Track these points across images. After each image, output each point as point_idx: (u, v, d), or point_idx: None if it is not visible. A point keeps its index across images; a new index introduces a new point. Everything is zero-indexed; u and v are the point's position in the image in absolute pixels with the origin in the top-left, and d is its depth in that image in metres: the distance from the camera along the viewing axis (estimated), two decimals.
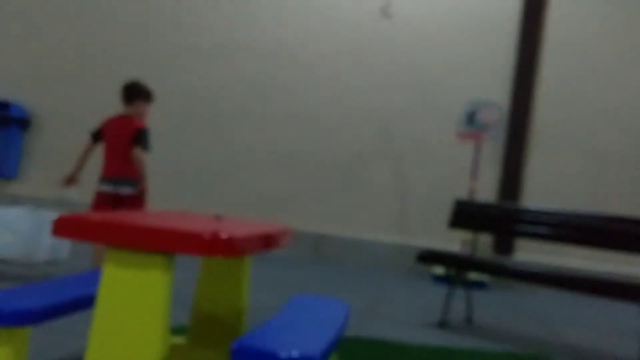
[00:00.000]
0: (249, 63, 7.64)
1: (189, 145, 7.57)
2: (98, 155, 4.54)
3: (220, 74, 7.68)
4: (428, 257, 4.43)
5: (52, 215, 4.43)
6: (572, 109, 7.05)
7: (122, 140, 4.10)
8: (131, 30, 7.92)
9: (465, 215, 4.66)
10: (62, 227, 1.86)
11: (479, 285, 6.07)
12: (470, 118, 6.62)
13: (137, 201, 4.15)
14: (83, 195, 7.80)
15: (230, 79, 7.66)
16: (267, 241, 2.20)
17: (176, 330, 3.17)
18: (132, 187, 4.11)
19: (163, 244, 1.78)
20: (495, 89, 7.08)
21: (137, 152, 4.07)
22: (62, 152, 7.92)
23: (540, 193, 6.91)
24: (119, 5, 7.99)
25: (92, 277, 2.58)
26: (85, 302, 2.25)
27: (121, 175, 4.10)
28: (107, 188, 4.07)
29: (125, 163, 4.10)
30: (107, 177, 4.08)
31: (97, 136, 4.20)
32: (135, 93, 4.20)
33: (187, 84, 7.55)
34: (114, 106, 7.60)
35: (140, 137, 4.10)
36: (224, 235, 1.76)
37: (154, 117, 5.64)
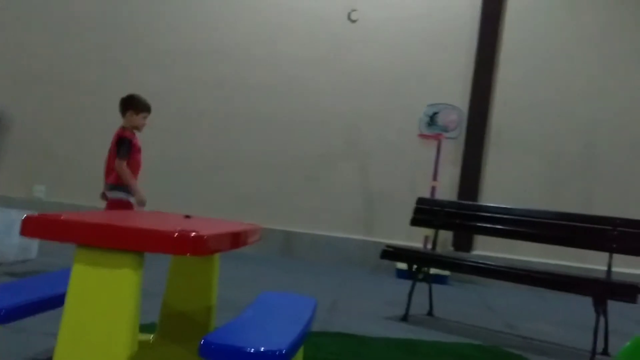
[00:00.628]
0: (216, 65, 7.64)
1: (157, 147, 7.53)
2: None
3: (189, 75, 7.67)
4: (391, 253, 4.57)
5: (20, 215, 4.41)
6: (529, 112, 7.29)
7: (111, 149, 4.51)
8: (103, 33, 7.83)
9: (427, 213, 4.80)
10: (31, 227, 1.86)
11: (440, 279, 6.24)
12: (432, 120, 6.80)
13: (115, 204, 4.35)
14: (51, 195, 7.71)
15: (199, 80, 7.65)
16: (236, 239, 2.23)
17: (147, 328, 3.21)
18: (111, 190, 4.47)
19: (132, 243, 1.78)
20: (455, 91, 7.27)
21: (116, 162, 4.42)
22: (31, 152, 7.80)
23: (498, 192, 7.11)
24: (91, 9, 7.90)
25: (61, 276, 2.59)
26: (54, 301, 2.22)
27: (106, 181, 4.55)
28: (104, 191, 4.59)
29: (110, 170, 4.49)
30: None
31: None
32: (125, 106, 4.54)
33: (157, 85, 7.50)
34: (86, 108, 7.56)
35: (118, 147, 4.43)
36: (192, 234, 1.78)
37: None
